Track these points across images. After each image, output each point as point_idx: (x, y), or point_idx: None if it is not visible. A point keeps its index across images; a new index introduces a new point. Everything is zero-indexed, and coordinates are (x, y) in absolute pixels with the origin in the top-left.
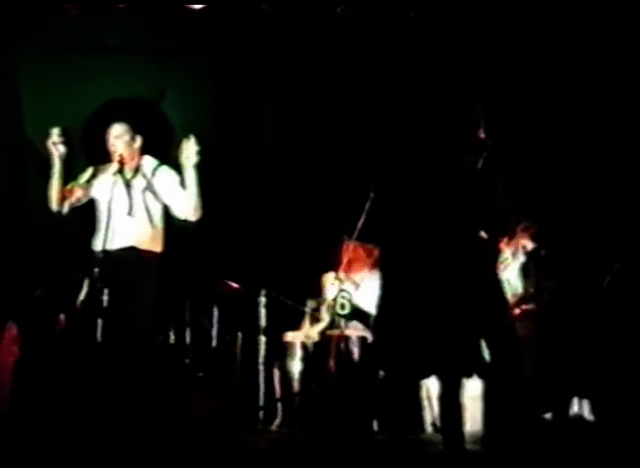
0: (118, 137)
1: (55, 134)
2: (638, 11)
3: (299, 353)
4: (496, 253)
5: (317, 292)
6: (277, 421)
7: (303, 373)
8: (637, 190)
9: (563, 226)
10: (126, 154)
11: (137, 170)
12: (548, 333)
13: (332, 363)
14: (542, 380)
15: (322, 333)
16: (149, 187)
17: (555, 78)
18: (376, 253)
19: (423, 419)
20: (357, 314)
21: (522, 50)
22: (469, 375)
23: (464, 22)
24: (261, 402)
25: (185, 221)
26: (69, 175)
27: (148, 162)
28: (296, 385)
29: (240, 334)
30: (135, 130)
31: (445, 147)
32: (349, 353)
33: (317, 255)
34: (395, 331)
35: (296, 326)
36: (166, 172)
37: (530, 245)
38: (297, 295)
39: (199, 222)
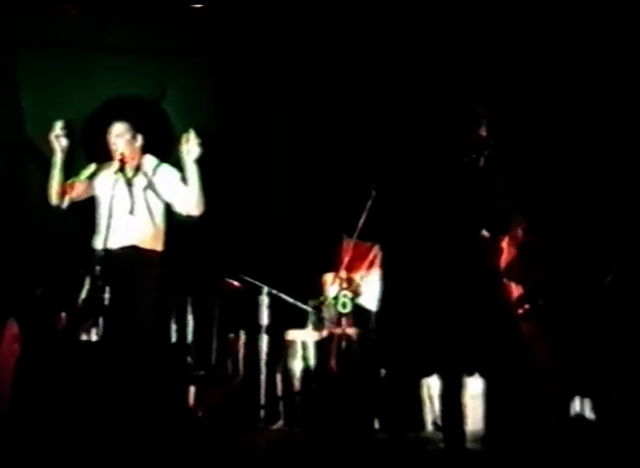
0: (119, 136)
1: (58, 126)
2: (638, 10)
3: (300, 352)
4: (497, 252)
5: (318, 292)
6: (279, 421)
7: (304, 372)
8: (638, 189)
9: (563, 226)
10: (127, 153)
11: (138, 168)
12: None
13: (333, 362)
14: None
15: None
16: (150, 186)
17: (556, 77)
18: (375, 250)
19: (424, 418)
20: (358, 312)
21: (523, 49)
22: (470, 374)
23: (465, 22)
24: (263, 401)
25: (189, 217)
26: (70, 170)
27: (149, 160)
28: (297, 384)
29: (242, 333)
30: (136, 129)
31: (445, 147)
32: (350, 352)
33: (317, 255)
34: (396, 329)
35: (298, 325)
36: (167, 169)
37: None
38: (297, 295)
39: (200, 221)
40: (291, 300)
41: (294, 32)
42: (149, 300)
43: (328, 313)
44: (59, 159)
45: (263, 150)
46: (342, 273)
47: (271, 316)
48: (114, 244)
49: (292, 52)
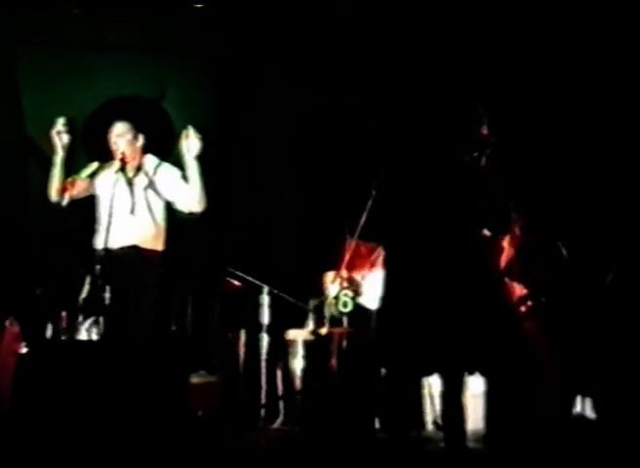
0: (120, 136)
1: (60, 123)
2: (638, 10)
3: (300, 351)
4: (497, 251)
5: (318, 292)
6: (279, 420)
7: (305, 371)
8: (638, 188)
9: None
10: (128, 152)
11: (138, 168)
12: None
13: (334, 361)
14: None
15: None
16: (151, 185)
17: (557, 77)
18: (377, 250)
19: (425, 417)
20: (358, 311)
21: (524, 48)
22: (471, 373)
23: (465, 22)
24: (263, 400)
25: (191, 214)
26: (71, 168)
27: (150, 160)
28: (297, 383)
29: (242, 332)
30: (137, 129)
31: (446, 146)
32: (351, 351)
33: (317, 255)
34: (397, 328)
35: (298, 324)
36: (168, 169)
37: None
38: (298, 295)
39: (200, 221)
40: (291, 300)
41: (294, 32)
42: (150, 300)
43: (329, 312)
44: (59, 156)
45: (263, 150)
46: (343, 272)
47: (272, 315)
48: (115, 243)
49: (292, 52)
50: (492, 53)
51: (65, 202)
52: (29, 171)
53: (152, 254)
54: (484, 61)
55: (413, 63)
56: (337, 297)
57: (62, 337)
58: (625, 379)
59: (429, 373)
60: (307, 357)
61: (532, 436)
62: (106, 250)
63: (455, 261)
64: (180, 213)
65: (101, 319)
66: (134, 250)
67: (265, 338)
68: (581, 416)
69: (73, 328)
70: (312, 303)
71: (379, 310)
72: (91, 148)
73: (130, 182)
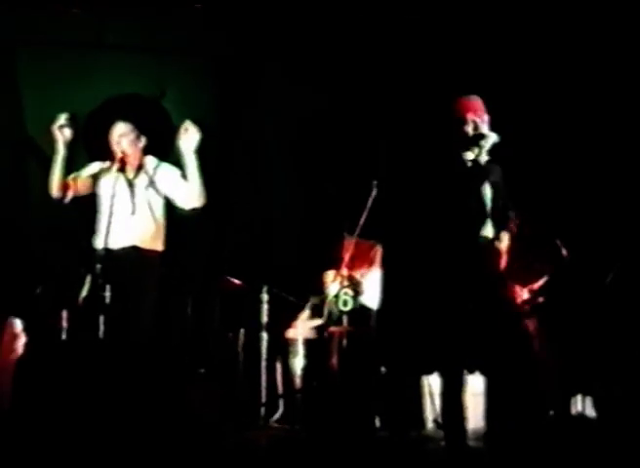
0: (123, 136)
1: (62, 117)
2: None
3: (301, 350)
4: (498, 250)
5: (318, 291)
6: (278, 417)
7: (305, 370)
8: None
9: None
10: (130, 152)
11: (139, 169)
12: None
13: (334, 359)
14: (545, 377)
15: (324, 330)
16: (152, 184)
17: (556, 76)
18: (376, 248)
19: (425, 416)
20: (359, 310)
21: (525, 48)
22: (471, 372)
23: (465, 21)
24: (263, 398)
25: (193, 210)
26: (72, 165)
27: (150, 161)
28: (298, 382)
29: (242, 331)
30: (139, 129)
31: (446, 145)
32: (351, 350)
33: (317, 255)
34: (397, 327)
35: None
36: (167, 168)
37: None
38: (298, 295)
39: (200, 221)
40: (291, 299)
41: (294, 32)
42: (150, 301)
43: (329, 311)
44: (61, 152)
45: (263, 150)
46: (344, 271)
47: (272, 314)
48: (115, 244)
49: (292, 52)
50: (491, 53)
51: (68, 199)
52: (29, 170)
53: (152, 255)
54: (484, 61)
55: (412, 63)
56: (337, 296)
57: (63, 337)
58: (625, 379)
59: (429, 372)
60: (308, 356)
61: (532, 435)
62: (107, 249)
63: (455, 261)
64: (181, 210)
65: (101, 318)
66: (134, 250)
67: (265, 337)
68: (582, 416)
69: (74, 327)
70: (312, 301)
71: (379, 309)
72: (91, 147)
73: (130, 183)
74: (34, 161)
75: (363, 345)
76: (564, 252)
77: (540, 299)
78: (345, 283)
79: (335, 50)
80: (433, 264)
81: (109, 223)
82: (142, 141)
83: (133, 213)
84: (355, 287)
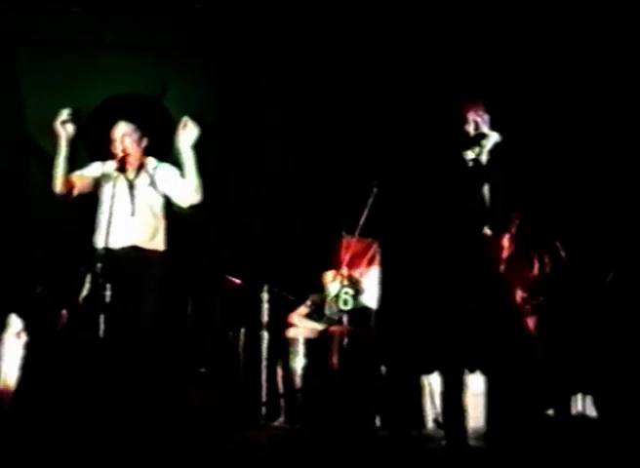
0: (126, 136)
1: (65, 112)
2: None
3: (301, 349)
4: (498, 250)
5: (318, 291)
6: (280, 418)
7: (306, 370)
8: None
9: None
10: (132, 152)
11: (139, 169)
12: (550, 329)
13: (334, 359)
14: (545, 376)
15: (324, 330)
16: (152, 183)
17: (556, 76)
18: (374, 246)
19: (425, 415)
20: (359, 309)
21: (525, 48)
22: (472, 371)
23: (466, 21)
24: (264, 398)
25: (191, 208)
26: (75, 161)
27: (150, 162)
28: (298, 381)
29: (242, 330)
30: (140, 129)
31: (446, 145)
32: (352, 349)
33: (317, 255)
34: (397, 326)
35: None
36: (166, 168)
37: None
38: (298, 295)
39: (200, 220)
40: (291, 298)
41: (293, 32)
42: (151, 301)
43: (329, 310)
44: (64, 148)
45: (263, 150)
46: (344, 270)
47: (272, 313)
48: (115, 244)
49: (292, 52)
50: (492, 52)
51: (73, 195)
52: (30, 170)
53: (153, 254)
54: (484, 60)
55: (413, 63)
56: (337, 295)
57: (63, 336)
58: (626, 378)
59: (430, 372)
60: (308, 355)
61: (532, 434)
62: (107, 249)
63: (455, 260)
64: (180, 208)
65: (102, 317)
66: (134, 250)
67: (266, 337)
68: (582, 415)
69: (74, 325)
70: (312, 299)
71: (379, 308)
72: (92, 147)
73: (131, 184)
74: (35, 161)
75: (363, 345)
76: (562, 254)
77: (540, 299)
78: (345, 282)
79: (335, 50)
80: (433, 264)
81: (109, 223)
82: (145, 142)
83: (133, 213)
84: (355, 286)
